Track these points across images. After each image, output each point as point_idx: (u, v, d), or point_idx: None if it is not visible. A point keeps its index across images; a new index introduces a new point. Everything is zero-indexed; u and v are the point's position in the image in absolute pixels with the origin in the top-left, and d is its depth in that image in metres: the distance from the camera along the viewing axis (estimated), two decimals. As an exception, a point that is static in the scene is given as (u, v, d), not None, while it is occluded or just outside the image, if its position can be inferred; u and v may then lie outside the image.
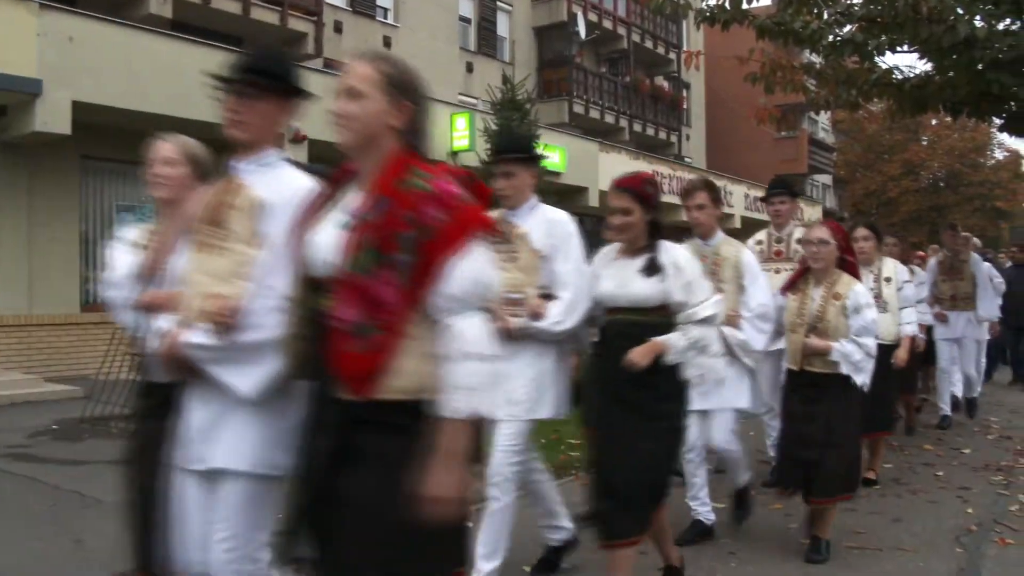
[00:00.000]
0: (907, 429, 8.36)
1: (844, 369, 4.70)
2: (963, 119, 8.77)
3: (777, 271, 5.95)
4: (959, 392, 9.40)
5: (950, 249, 9.41)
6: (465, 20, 24.43)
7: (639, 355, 3.58)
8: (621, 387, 3.67)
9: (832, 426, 4.67)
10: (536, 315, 3.99)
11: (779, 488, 4.99)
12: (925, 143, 33.82)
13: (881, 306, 6.25)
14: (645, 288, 3.72)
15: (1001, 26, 6.98)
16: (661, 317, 3.73)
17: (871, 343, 4.76)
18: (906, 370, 6.87)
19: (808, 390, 4.79)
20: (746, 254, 5.18)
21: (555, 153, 19.50)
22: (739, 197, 27.95)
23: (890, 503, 5.90)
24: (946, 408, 9.03)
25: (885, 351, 6.04)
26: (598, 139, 23.16)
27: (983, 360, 10.53)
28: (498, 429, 3.99)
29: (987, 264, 10.16)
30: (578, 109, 26.49)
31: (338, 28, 20.33)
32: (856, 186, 34.79)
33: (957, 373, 9.34)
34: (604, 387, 3.77)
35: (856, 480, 5.01)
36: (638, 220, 3.77)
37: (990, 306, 9.47)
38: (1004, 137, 31.35)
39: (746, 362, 4.99)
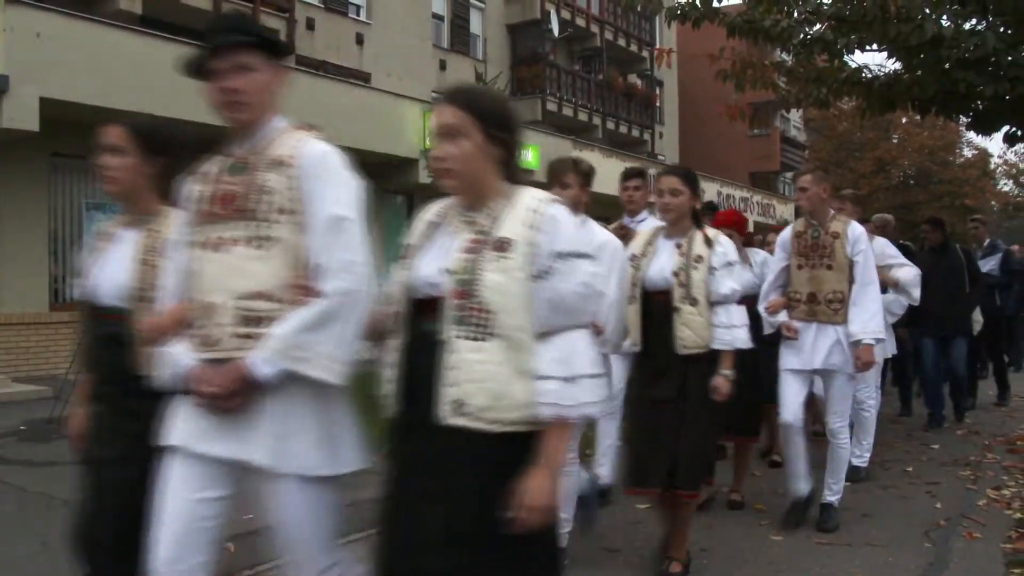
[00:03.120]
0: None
1: None
2: (931, 117, 8.80)
3: None
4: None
5: (811, 211, 5.44)
6: (438, 17, 24.37)
7: None
8: None
9: None
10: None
11: None
12: (896, 141, 34.10)
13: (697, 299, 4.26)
14: None
15: (967, 26, 7.07)
16: None
17: None
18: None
19: None
20: None
21: (528, 151, 19.51)
22: (712, 195, 28.06)
23: (860, 498, 5.94)
24: (802, 487, 5.39)
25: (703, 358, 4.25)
26: (571, 137, 23.16)
27: (865, 409, 6.68)
28: None
29: (882, 240, 6.97)
30: (551, 107, 26.50)
31: (310, 25, 20.22)
32: (828, 184, 34.97)
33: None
34: None
35: None
36: None
37: (864, 312, 5.16)
38: (972, 135, 31.70)
39: None
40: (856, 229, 5.34)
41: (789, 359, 5.38)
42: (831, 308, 5.28)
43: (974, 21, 7.12)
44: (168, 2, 16.16)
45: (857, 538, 5.06)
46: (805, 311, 5.34)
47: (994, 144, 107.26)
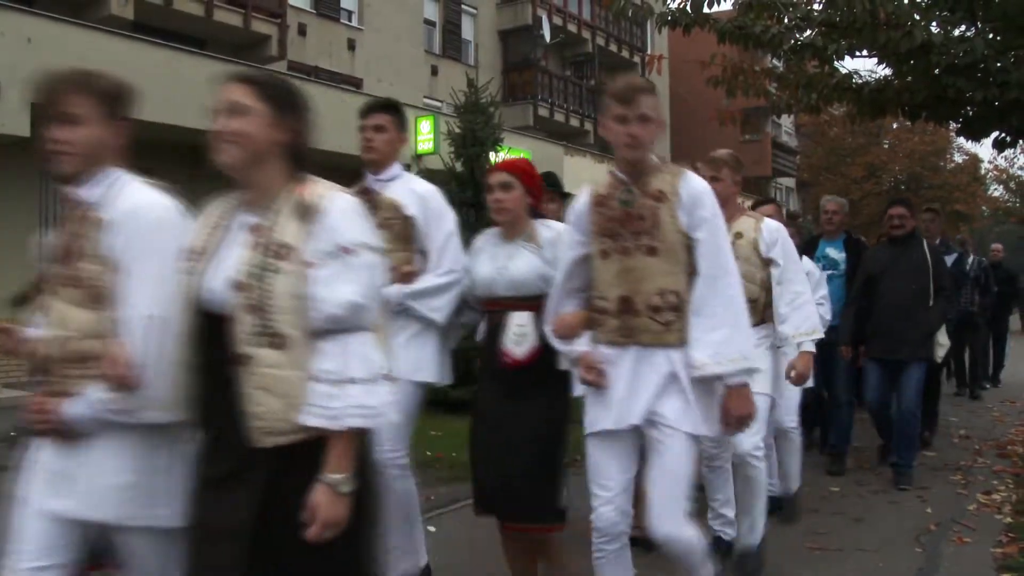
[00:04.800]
0: None
1: None
2: (922, 123, 8.83)
3: None
4: None
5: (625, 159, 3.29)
6: (430, 23, 24.40)
7: None
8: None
9: None
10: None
11: None
12: (886, 146, 34.19)
13: None
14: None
15: (956, 32, 7.11)
16: None
17: None
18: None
19: None
20: None
21: (520, 156, 19.54)
22: (703, 200, 28.10)
23: (851, 503, 5.95)
24: None
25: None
26: (563, 142, 23.21)
27: (752, 463, 4.37)
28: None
29: (774, 224, 4.57)
30: (543, 112, 26.54)
31: (302, 31, 20.22)
32: (819, 189, 35.05)
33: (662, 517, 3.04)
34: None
35: None
36: None
37: (714, 328, 3.06)
38: (963, 141, 31.83)
39: None
40: (694, 183, 3.16)
41: (596, 415, 3.19)
42: (659, 320, 3.08)
43: (963, 27, 7.17)
44: (160, 8, 16.14)
45: (848, 543, 5.06)
46: (616, 329, 3.14)
47: (984, 149, 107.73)
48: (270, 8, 18.34)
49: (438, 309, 3.84)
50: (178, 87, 13.05)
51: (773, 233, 4.52)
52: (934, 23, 6.96)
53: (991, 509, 5.81)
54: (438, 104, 21.99)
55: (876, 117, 8.42)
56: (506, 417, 3.51)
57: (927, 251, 6.57)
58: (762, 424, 4.39)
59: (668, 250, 3.10)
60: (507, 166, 3.76)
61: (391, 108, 4.09)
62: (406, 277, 3.84)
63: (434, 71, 24.07)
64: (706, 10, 7.30)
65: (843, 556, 4.84)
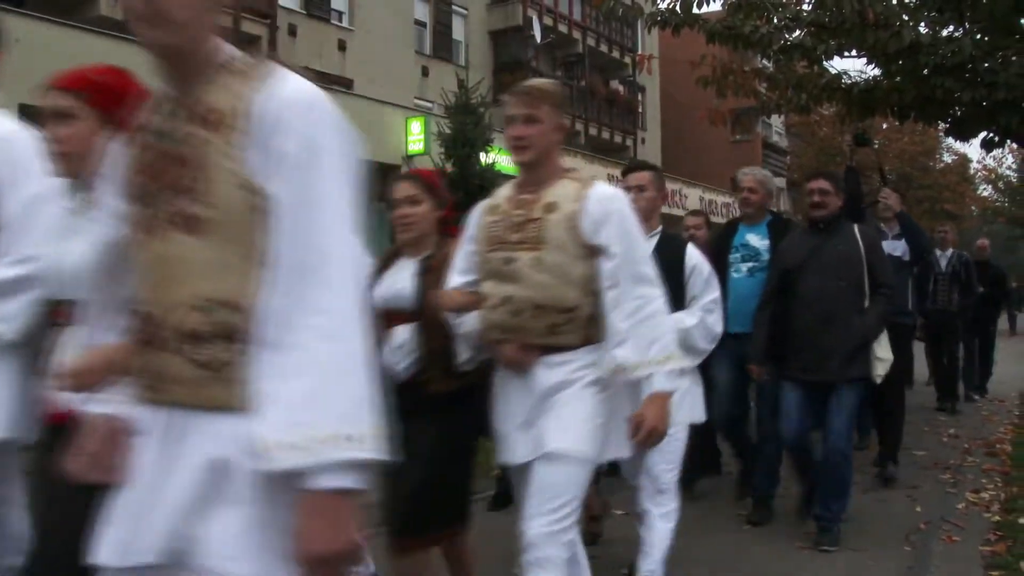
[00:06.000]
0: None
1: None
2: (911, 123, 8.85)
3: None
4: None
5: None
6: (420, 24, 24.38)
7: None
8: None
9: None
10: None
11: None
12: (876, 146, 34.33)
13: None
14: None
15: (945, 32, 7.15)
16: None
17: None
18: None
19: None
20: None
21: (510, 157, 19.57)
22: (694, 200, 28.18)
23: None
24: None
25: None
26: (554, 142, 23.23)
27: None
28: None
29: (608, 192, 2.91)
30: (534, 112, 26.52)
31: (292, 31, 20.19)
32: (810, 189, 35.18)
33: None
34: None
35: None
36: None
37: (309, 371, 1.47)
38: (951, 141, 31.92)
39: None
40: (287, 89, 1.65)
41: (105, 532, 1.63)
42: (198, 359, 1.56)
43: (951, 28, 7.21)
44: (149, 8, 16.12)
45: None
46: (139, 372, 1.65)
47: (973, 150, 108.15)
48: (260, 8, 18.31)
49: (7, 318, 2.50)
50: (168, 88, 13.02)
51: (604, 204, 2.83)
52: (922, 24, 7.00)
53: (980, 508, 5.82)
54: (429, 105, 22.00)
55: (865, 117, 8.47)
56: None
57: (858, 236, 4.97)
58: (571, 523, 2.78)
59: (224, 223, 1.57)
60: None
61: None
62: None
63: (424, 72, 24.06)
64: (695, 10, 7.32)
65: (832, 556, 4.84)
